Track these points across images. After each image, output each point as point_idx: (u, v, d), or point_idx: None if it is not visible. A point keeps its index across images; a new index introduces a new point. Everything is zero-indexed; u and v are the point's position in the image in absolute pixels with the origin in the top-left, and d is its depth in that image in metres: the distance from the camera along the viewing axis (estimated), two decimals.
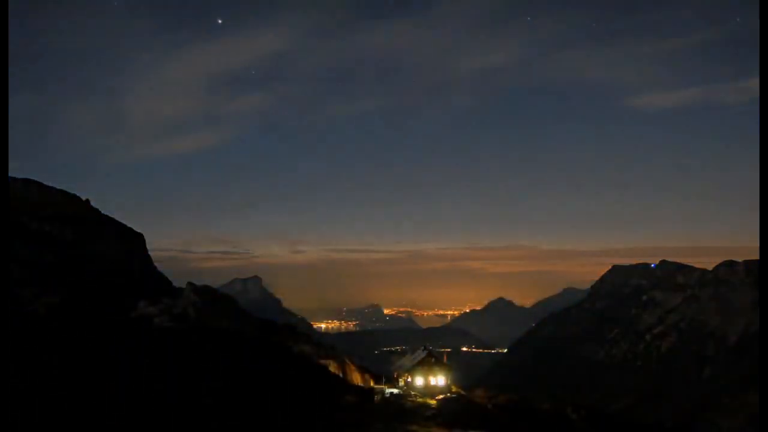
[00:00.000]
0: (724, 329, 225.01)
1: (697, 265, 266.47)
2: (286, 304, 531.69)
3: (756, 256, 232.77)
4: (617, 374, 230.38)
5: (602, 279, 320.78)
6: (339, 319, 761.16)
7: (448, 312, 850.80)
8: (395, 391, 72.03)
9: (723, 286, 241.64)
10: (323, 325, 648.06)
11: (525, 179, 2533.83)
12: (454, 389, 73.38)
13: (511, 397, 74.72)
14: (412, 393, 69.55)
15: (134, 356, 53.95)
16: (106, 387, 43.40)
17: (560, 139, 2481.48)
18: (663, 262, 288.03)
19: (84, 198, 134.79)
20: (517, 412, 65.06)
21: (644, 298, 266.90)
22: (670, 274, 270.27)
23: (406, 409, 58.89)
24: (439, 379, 72.47)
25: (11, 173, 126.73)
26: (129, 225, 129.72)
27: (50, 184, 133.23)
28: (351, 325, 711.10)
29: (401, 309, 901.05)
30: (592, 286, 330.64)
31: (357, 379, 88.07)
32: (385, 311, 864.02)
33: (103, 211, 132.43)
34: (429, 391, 70.16)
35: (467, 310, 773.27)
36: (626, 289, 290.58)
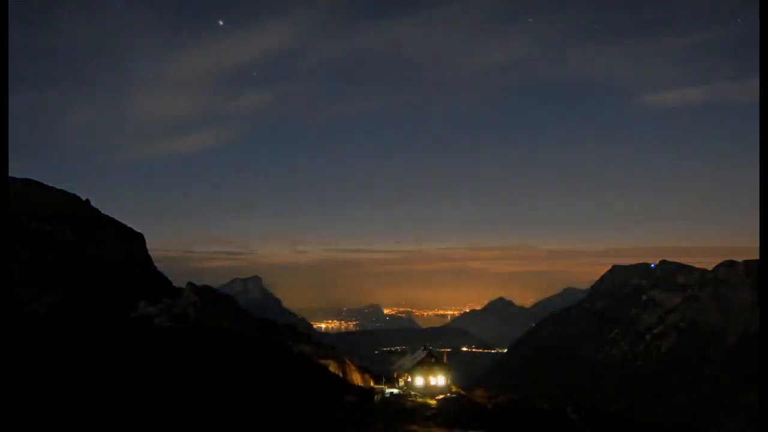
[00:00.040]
0: (724, 329, 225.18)
1: (697, 265, 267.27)
2: (286, 304, 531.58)
3: (756, 256, 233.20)
4: (617, 374, 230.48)
5: (602, 279, 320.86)
6: (339, 319, 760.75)
7: (448, 312, 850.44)
8: (395, 391, 72.00)
9: (723, 286, 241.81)
10: (323, 325, 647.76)
11: (525, 179, 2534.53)
12: (454, 389, 73.34)
13: (511, 397, 74.65)
14: (412, 393, 69.51)
15: (134, 356, 53.97)
16: (106, 387, 43.42)
17: (560, 139, 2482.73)
18: (663, 262, 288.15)
19: (84, 198, 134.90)
20: (517, 412, 65.01)
21: (644, 298, 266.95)
22: (670, 274, 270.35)
23: (406, 409, 58.87)
24: (439, 379, 72.43)
25: (11, 173, 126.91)
26: (129, 225, 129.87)
27: (50, 184, 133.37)
28: (351, 325, 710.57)
29: (401, 309, 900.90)
30: (592, 286, 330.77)
31: (357, 379, 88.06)
32: (385, 311, 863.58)
33: (103, 211, 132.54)
34: (429, 391, 70.12)
35: (467, 310, 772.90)
36: (626, 289, 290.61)
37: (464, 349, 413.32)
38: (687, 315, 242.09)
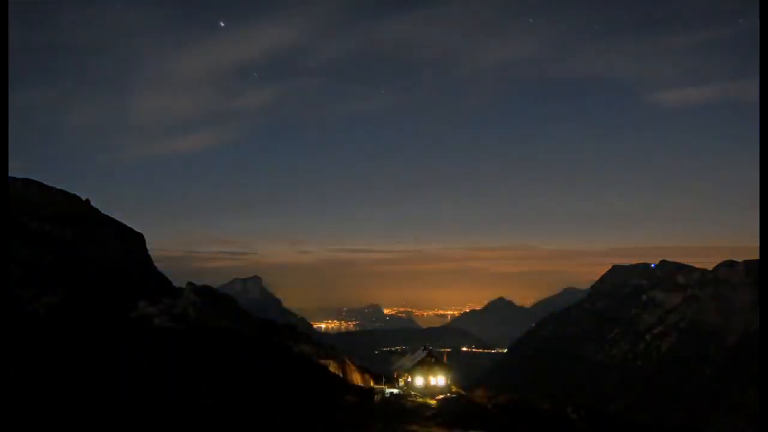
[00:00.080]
0: (724, 329, 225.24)
1: (697, 265, 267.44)
2: (286, 304, 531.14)
3: (756, 256, 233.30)
4: (617, 374, 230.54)
5: (602, 279, 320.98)
6: (339, 319, 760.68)
7: (448, 312, 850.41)
8: (395, 391, 72.01)
9: (723, 286, 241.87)
10: (323, 325, 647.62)
11: (525, 179, 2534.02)
12: (454, 389, 73.34)
13: (511, 397, 74.65)
14: (412, 393, 69.52)
15: (134, 356, 53.96)
16: (106, 387, 43.41)
17: (560, 139, 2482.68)
18: (663, 262, 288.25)
19: (84, 198, 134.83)
20: (517, 412, 65.01)
21: (644, 298, 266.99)
22: (670, 274, 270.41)
23: (406, 409, 58.86)
24: (439, 379, 72.44)
25: (11, 173, 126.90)
26: (129, 225, 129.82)
27: (50, 184, 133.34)
28: (351, 325, 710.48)
29: (401, 309, 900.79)
30: (592, 286, 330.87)
31: (357, 379, 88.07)
32: (385, 311, 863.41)
33: (103, 211, 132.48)
34: (429, 391, 70.12)
35: (467, 310, 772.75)
36: (626, 289, 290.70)
37: (464, 349, 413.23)
38: (687, 315, 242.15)
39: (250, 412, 45.43)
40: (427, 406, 61.02)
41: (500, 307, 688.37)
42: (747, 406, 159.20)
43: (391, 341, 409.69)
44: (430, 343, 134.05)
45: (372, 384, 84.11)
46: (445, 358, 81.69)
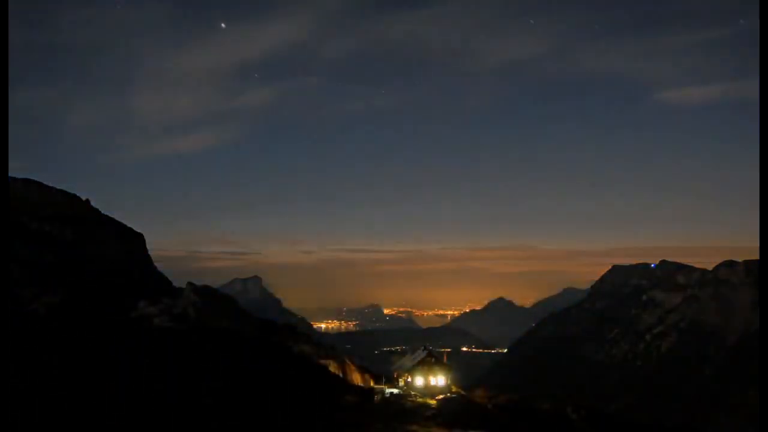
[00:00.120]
0: (724, 329, 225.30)
1: (697, 265, 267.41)
2: (286, 304, 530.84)
3: (756, 256, 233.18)
4: (617, 374, 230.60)
5: (602, 279, 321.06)
6: (339, 319, 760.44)
7: (448, 312, 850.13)
8: (395, 391, 72.02)
9: (723, 286, 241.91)
10: (323, 325, 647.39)
11: (525, 179, 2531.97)
12: (454, 389, 73.37)
13: (511, 397, 74.73)
14: (412, 393, 69.54)
15: (134, 356, 53.98)
16: (106, 387, 43.42)
17: (560, 139, 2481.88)
18: (663, 262, 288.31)
19: (84, 198, 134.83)
20: (517, 412, 65.06)
21: (644, 298, 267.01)
22: (670, 274, 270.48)
23: (406, 409, 58.89)
24: (439, 379, 72.46)
25: (11, 173, 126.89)
26: (129, 225, 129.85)
27: (50, 184, 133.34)
28: (351, 325, 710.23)
29: (401, 309, 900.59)
30: (592, 286, 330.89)
31: (357, 379, 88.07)
32: (385, 311, 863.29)
33: (103, 211, 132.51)
34: (429, 391, 70.14)
35: (467, 310, 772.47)
36: (626, 289, 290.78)
37: (464, 349, 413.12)
38: (687, 315, 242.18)
39: (250, 412, 45.44)
40: (427, 406, 61.05)
41: (500, 307, 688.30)
42: (747, 406, 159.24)
43: (391, 341, 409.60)
44: (430, 343, 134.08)
45: (372, 384, 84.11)
46: (445, 358, 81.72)
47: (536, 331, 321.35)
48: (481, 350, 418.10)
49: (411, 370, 73.58)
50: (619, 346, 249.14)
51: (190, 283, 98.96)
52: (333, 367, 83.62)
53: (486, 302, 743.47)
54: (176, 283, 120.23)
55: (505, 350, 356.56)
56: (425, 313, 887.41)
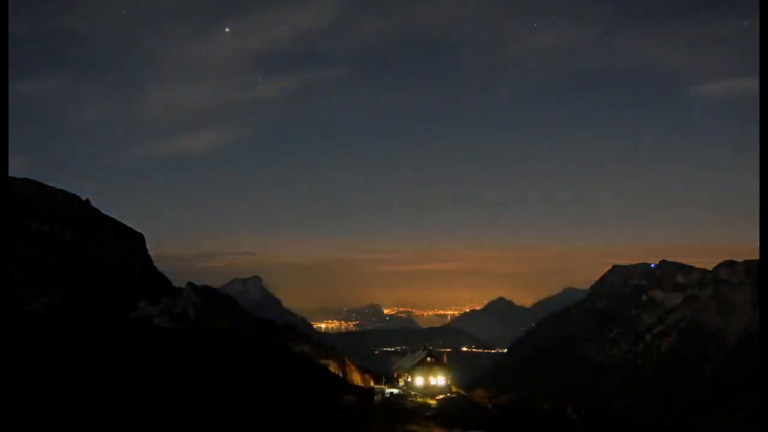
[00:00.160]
0: (724, 329, 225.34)
1: (697, 265, 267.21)
2: (286, 304, 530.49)
3: (756, 256, 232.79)
4: (617, 374, 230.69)
5: (602, 279, 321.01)
6: (339, 319, 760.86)
7: (448, 312, 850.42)
8: (395, 391, 72.07)
9: (723, 286, 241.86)
10: (323, 325, 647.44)
11: (525, 179, 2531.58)
12: (454, 389, 73.42)
13: (511, 397, 74.81)
14: (412, 393, 69.58)
15: (134, 356, 54.00)
16: (106, 387, 43.44)
17: (560, 138, 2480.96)
18: (663, 262, 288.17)
19: (84, 198, 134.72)
20: (517, 412, 65.13)
21: (644, 298, 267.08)
22: (670, 274, 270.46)
23: (406, 409, 58.93)
24: (439, 379, 72.50)
25: (12, 172, 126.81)
26: (129, 225, 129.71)
27: (50, 184, 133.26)
28: (351, 325, 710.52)
29: (401, 309, 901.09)
30: (592, 286, 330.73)
31: (357, 379, 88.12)
32: (385, 311, 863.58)
33: (103, 211, 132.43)
34: (429, 391, 70.19)
35: (467, 310, 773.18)
36: (626, 289, 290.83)
37: (464, 349, 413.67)
38: (687, 315, 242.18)
39: (250, 412, 45.46)
40: (427, 406, 61.10)
41: (500, 307, 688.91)
42: (747, 406, 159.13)
43: (391, 341, 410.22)
44: (430, 343, 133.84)
45: (372, 384, 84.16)
46: (445, 358, 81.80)
47: (536, 331, 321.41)
48: (481, 350, 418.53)
49: (411, 370, 73.63)
50: (619, 346, 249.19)
51: (190, 283, 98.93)
52: (333, 367, 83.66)
53: (486, 302, 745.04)
54: (176, 283, 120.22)
55: (505, 350, 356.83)
56: (425, 313, 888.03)
